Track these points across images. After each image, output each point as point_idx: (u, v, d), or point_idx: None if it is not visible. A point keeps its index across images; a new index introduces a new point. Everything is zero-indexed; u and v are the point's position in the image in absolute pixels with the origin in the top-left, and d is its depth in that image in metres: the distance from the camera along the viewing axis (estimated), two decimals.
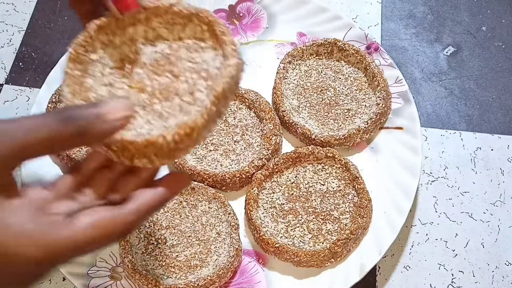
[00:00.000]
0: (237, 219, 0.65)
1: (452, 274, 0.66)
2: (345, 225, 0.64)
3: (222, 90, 0.40)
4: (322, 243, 0.63)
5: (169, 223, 0.64)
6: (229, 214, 0.65)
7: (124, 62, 0.45)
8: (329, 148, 0.68)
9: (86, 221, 0.37)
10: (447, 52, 0.81)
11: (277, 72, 0.73)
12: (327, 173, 0.67)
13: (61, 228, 0.36)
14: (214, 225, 0.65)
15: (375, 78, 0.71)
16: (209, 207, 0.65)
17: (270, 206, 0.66)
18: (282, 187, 0.67)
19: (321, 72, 0.74)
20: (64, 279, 0.65)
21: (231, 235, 0.63)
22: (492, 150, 0.73)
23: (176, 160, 0.66)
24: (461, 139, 0.74)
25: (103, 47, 0.45)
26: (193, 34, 0.44)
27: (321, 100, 0.72)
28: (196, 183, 0.66)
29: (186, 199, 0.66)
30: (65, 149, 0.37)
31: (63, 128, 0.36)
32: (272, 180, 0.67)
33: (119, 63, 0.45)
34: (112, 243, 0.39)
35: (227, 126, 0.70)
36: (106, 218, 0.38)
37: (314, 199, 0.66)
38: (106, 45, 0.45)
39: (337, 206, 0.65)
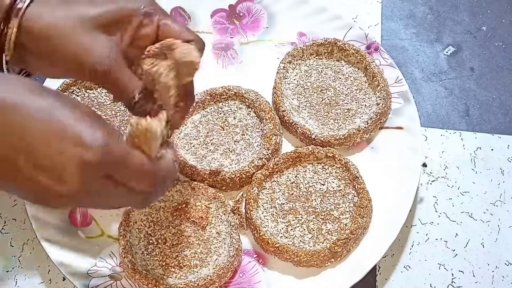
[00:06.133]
0: (237, 219, 0.65)
1: (452, 274, 0.66)
2: (345, 225, 0.64)
3: None
4: (322, 243, 0.63)
5: (169, 223, 0.64)
6: (229, 214, 0.65)
7: None
8: (329, 148, 0.68)
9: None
10: (447, 52, 0.81)
11: (277, 72, 0.73)
12: (327, 173, 0.67)
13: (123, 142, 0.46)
14: (214, 225, 0.65)
15: (375, 78, 0.71)
16: (209, 207, 0.65)
17: (270, 206, 0.66)
18: (282, 187, 0.67)
19: (321, 72, 0.74)
20: (64, 279, 0.65)
21: (231, 235, 0.63)
22: (492, 150, 0.73)
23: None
24: (461, 139, 0.74)
25: None
26: None
27: (321, 100, 0.72)
28: (196, 183, 0.66)
29: (186, 199, 0.66)
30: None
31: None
32: (272, 180, 0.67)
33: None
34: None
35: (227, 126, 0.70)
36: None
37: (314, 199, 0.66)
38: None
39: (337, 206, 0.65)
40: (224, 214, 0.65)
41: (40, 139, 0.42)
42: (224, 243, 0.63)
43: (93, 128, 0.43)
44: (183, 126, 0.70)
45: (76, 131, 0.42)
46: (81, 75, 0.52)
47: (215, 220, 0.65)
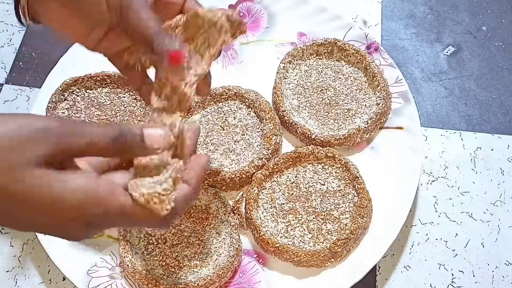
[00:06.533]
0: (237, 219, 0.65)
1: (452, 274, 0.66)
2: (345, 225, 0.64)
3: None
4: (322, 243, 0.63)
5: None
6: (229, 214, 0.65)
7: None
8: (329, 148, 0.68)
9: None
10: (447, 52, 0.81)
11: (277, 72, 0.73)
12: (327, 173, 0.67)
13: (118, 195, 0.42)
14: (214, 225, 0.65)
15: (375, 78, 0.71)
16: (209, 207, 0.65)
17: (270, 206, 0.66)
18: (282, 187, 0.67)
19: (321, 72, 0.74)
20: (64, 279, 0.65)
21: (231, 235, 0.63)
22: (492, 150, 0.73)
23: None
24: (461, 139, 0.74)
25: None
26: None
27: (321, 100, 0.72)
28: None
29: None
30: (104, 155, 0.43)
31: (112, 145, 0.42)
32: (272, 180, 0.67)
33: None
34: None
35: (227, 126, 0.70)
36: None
37: (314, 199, 0.66)
38: None
39: (337, 206, 0.65)
40: (224, 214, 0.65)
41: (32, 220, 0.40)
42: (224, 243, 0.63)
43: (90, 200, 0.40)
44: None
45: (72, 207, 0.40)
46: (100, 15, 0.50)
47: (215, 220, 0.65)
